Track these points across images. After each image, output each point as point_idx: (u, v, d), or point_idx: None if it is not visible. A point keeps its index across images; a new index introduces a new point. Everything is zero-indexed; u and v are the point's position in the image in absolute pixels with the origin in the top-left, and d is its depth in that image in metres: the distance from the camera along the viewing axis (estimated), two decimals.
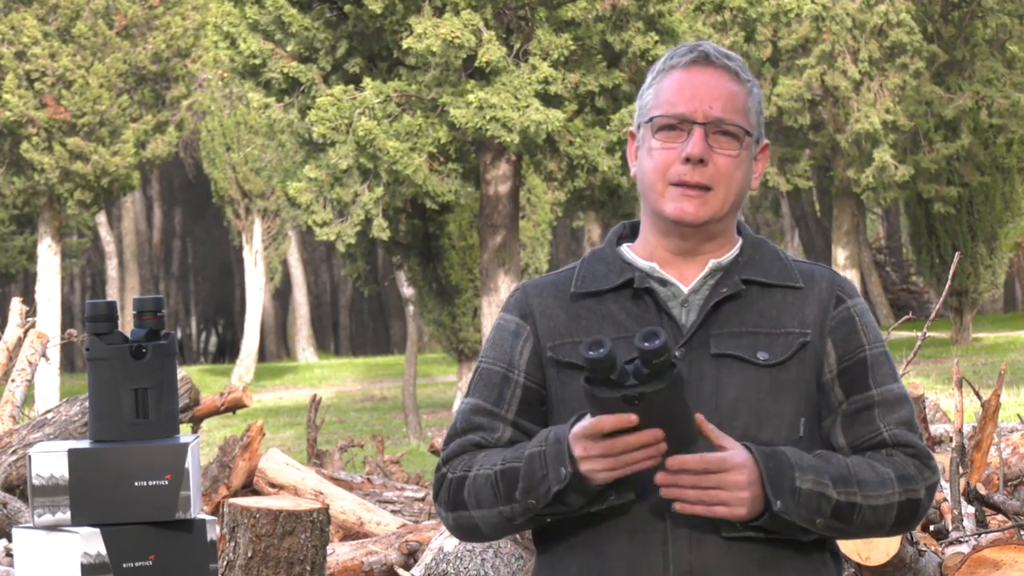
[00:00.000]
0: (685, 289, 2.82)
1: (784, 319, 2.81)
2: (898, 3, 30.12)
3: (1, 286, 41.99)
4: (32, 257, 34.81)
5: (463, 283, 26.61)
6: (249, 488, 9.50)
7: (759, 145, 2.88)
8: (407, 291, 27.04)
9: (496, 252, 20.83)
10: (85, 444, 3.20)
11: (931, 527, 6.00)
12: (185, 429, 7.24)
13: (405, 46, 19.14)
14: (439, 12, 19.53)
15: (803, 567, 2.78)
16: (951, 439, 7.80)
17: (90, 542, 3.11)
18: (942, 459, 7.06)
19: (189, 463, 3.17)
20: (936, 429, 9.23)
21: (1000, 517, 6.45)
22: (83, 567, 3.10)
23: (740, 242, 2.88)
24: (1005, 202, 31.02)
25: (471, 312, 26.73)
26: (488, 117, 18.85)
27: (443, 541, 6.20)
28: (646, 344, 2.55)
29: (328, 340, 56.34)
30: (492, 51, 18.98)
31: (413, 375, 25.08)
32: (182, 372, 9.00)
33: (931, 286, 34.01)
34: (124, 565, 3.13)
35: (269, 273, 40.49)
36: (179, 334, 38.63)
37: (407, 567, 7.21)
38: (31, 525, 3.17)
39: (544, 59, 19.37)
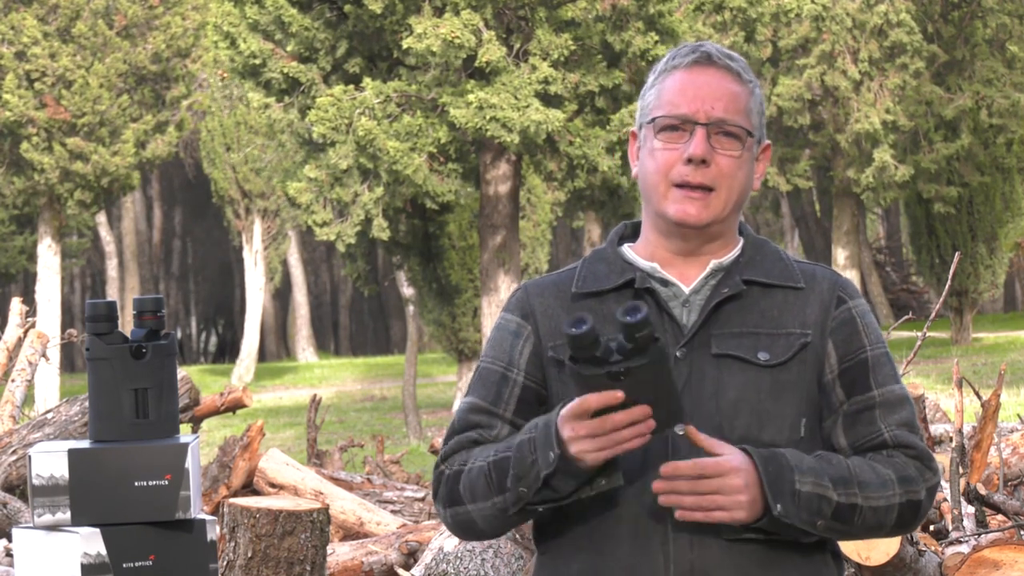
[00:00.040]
0: (686, 289, 2.82)
1: (785, 320, 2.81)
2: (898, 3, 30.12)
3: (1, 286, 41.99)
4: (32, 257, 34.82)
5: (463, 283, 26.60)
6: (249, 488, 9.49)
7: (761, 145, 2.88)
8: (407, 291, 27.05)
9: (496, 252, 20.83)
10: (85, 444, 3.20)
11: (931, 527, 6.00)
12: (185, 429, 7.24)
13: (405, 46, 19.14)
14: (439, 12, 19.53)
15: (804, 567, 2.78)
16: (951, 439, 7.79)
17: (90, 542, 3.11)
18: (942, 459, 7.05)
19: (189, 463, 3.17)
20: (936, 429, 9.22)
21: (1000, 517, 6.45)
22: (83, 567, 3.10)
23: (741, 242, 2.88)
24: (1005, 202, 31.02)
25: (471, 312, 26.73)
26: (488, 117, 18.85)
27: (443, 541, 6.20)
28: (628, 318, 2.55)
29: (328, 340, 56.35)
30: (492, 51, 18.97)
31: (413, 375, 25.08)
32: (182, 372, 9.00)
33: (931, 286, 34.01)
34: (124, 565, 3.13)
35: (269, 273, 40.50)
36: (179, 334, 38.60)
37: (407, 567, 7.21)
38: (31, 525, 3.17)
39: (544, 59, 19.37)
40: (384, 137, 19.35)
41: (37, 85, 28.22)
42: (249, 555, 5.37)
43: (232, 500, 5.48)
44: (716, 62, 2.83)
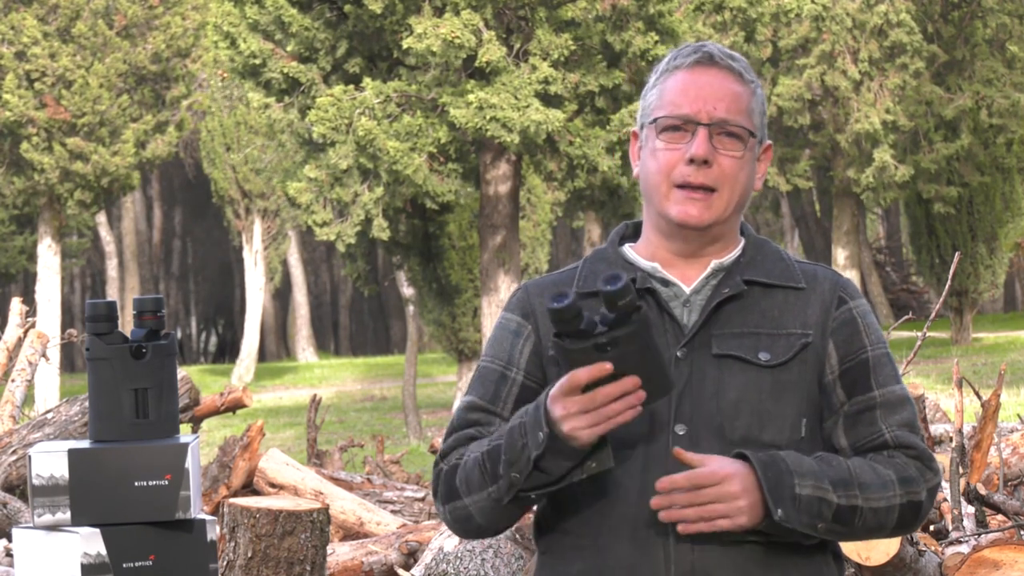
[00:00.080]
0: (687, 289, 2.82)
1: (786, 320, 2.81)
2: (898, 3, 30.11)
3: (1, 286, 41.99)
4: (32, 257, 34.81)
5: (463, 283, 26.60)
6: (249, 488, 9.49)
7: (762, 146, 2.87)
8: (407, 291, 27.05)
9: (496, 252, 20.83)
10: (85, 444, 3.20)
11: (931, 527, 6.00)
12: (185, 429, 7.24)
13: (405, 46, 19.14)
14: (439, 12, 19.53)
15: (805, 568, 2.78)
16: (951, 439, 7.79)
17: (90, 542, 3.11)
18: (942, 459, 7.05)
19: (189, 463, 3.16)
20: (936, 429, 9.22)
21: (1000, 517, 6.44)
22: (83, 567, 3.10)
23: (742, 243, 2.88)
24: (1005, 202, 31.02)
25: (471, 312, 26.72)
26: (488, 117, 18.84)
27: (443, 541, 6.20)
28: (608, 287, 2.55)
29: (328, 340, 56.34)
30: (492, 51, 18.97)
31: (413, 375, 25.08)
32: (182, 372, 9.00)
33: (931, 286, 34.01)
34: (124, 565, 3.12)
35: (269, 273, 40.49)
36: (179, 334, 38.60)
37: (407, 567, 7.21)
38: (31, 525, 3.17)
39: (544, 59, 19.37)
40: (384, 137, 19.35)
41: (37, 85, 28.22)
42: (249, 555, 5.36)
43: (232, 500, 5.48)
44: (718, 62, 2.82)
